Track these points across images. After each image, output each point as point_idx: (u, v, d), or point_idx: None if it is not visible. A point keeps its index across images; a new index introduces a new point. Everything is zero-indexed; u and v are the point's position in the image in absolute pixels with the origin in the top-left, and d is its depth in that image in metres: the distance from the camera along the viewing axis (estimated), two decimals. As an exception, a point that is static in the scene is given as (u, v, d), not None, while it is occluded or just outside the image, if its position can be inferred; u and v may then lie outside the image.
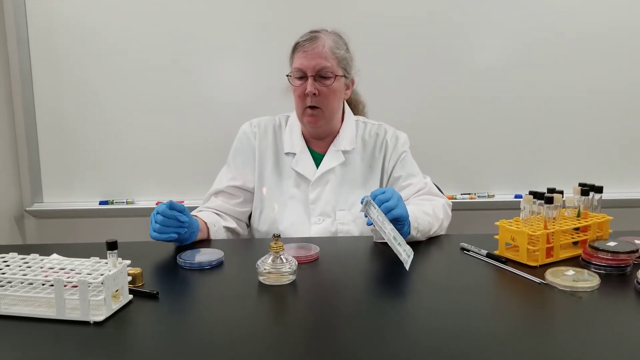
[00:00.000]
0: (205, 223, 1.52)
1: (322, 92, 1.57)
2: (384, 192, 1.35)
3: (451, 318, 0.99)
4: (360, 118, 1.76)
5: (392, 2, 2.27)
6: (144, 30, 2.28)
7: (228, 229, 1.62)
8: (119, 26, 2.28)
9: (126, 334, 0.96)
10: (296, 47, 1.60)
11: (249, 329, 0.97)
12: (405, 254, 1.25)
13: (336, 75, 1.58)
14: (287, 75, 1.62)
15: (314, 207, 1.63)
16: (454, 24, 2.29)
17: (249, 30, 2.29)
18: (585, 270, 1.18)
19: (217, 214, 1.62)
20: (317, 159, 1.68)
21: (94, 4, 2.26)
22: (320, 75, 1.56)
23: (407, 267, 1.23)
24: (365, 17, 2.25)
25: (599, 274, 1.17)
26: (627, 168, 2.40)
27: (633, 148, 2.39)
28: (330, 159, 1.66)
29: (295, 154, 1.67)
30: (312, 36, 1.59)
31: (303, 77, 1.57)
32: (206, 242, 1.50)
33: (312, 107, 1.58)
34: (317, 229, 1.62)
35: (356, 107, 1.83)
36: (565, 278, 1.14)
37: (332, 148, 1.67)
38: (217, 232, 1.55)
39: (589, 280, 1.13)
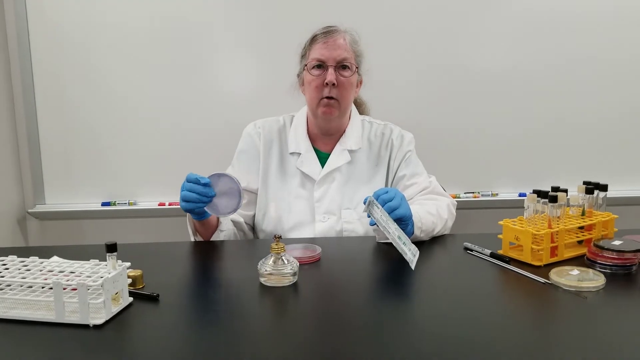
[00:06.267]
0: None
1: (340, 83, 1.57)
2: (387, 192, 1.34)
3: (454, 319, 0.98)
4: (366, 118, 1.76)
5: (397, 2, 2.26)
6: (147, 32, 2.27)
7: (234, 222, 1.62)
8: (121, 27, 2.27)
9: (126, 337, 0.96)
10: (315, 39, 1.61)
11: (250, 332, 0.96)
12: (411, 253, 1.24)
13: (356, 67, 1.59)
14: (304, 66, 1.61)
15: (319, 205, 1.63)
16: (458, 25, 2.27)
17: (254, 32, 2.28)
18: (590, 270, 1.17)
19: None
20: (323, 158, 1.67)
21: (97, 1, 2.26)
22: (341, 66, 1.57)
23: (413, 267, 1.22)
24: (369, 16, 2.24)
25: (604, 273, 1.15)
26: (632, 166, 2.39)
27: (638, 145, 2.37)
28: (337, 158, 1.65)
29: (300, 153, 1.66)
30: (331, 29, 1.60)
31: (321, 67, 1.57)
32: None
33: (329, 98, 1.57)
34: (322, 227, 1.61)
35: (360, 106, 1.83)
36: (570, 278, 1.12)
37: (338, 147, 1.66)
38: (225, 221, 1.55)
39: (594, 280, 1.11)
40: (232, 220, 1.60)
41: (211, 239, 1.53)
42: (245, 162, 1.69)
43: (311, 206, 1.63)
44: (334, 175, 1.64)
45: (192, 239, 1.55)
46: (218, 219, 1.52)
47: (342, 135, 1.68)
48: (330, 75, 1.55)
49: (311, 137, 1.69)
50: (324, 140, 1.68)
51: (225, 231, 1.55)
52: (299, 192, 1.64)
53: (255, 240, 1.65)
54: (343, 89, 1.58)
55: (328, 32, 1.59)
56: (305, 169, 1.65)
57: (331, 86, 1.56)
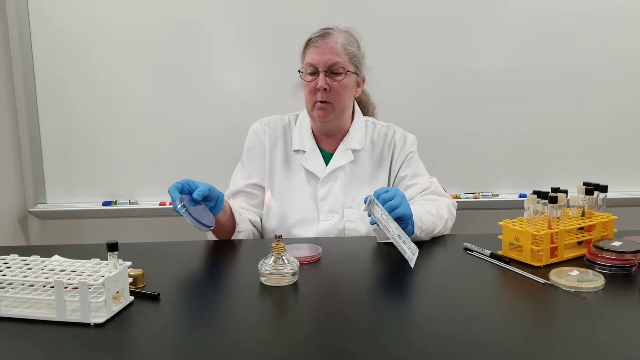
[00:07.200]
0: (231, 208, 1.53)
1: (332, 88, 1.57)
2: (387, 191, 1.35)
3: (454, 319, 0.99)
4: (370, 119, 1.77)
5: (398, 3, 2.26)
6: (147, 32, 2.28)
7: (251, 222, 1.62)
8: (121, 27, 2.28)
9: (127, 335, 0.96)
10: (308, 43, 1.61)
11: (250, 331, 0.96)
12: (410, 251, 1.24)
13: (347, 71, 1.58)
14: (299, 71, 1.62)
15: (322, 204, 1.64)
16: (458, 27, 2.28)
17: (254, 32, 2.29)
18: (590, 271, 1.17)
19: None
20: (326, 157, 1.68)
21: (97, 2, 2.26)
22: (332, 71, 1.57)
23: (412, 265, 1.23)
24: (371, 17, 2.25)
25: (603, 274, 1.16)
26: (632, 167, 2.39)
27: (637, 147, 2.37)
28: (340, 157, 1.66)
29: (304, 151, 1.67)
30: (325, 32, 1.59)
31: (314, 72, 1.58)
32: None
33: (322, 102, 1.58)
34: (325, 225, 1.62)
35: (366, 108, 1.84)
36: (570, 278, 1.13)
37: (341, 146, 1.67)
38: (243, 222, 1.56)
39: (593, 281, 1.12)
40: (250, 221, 1.61)
41: (232, 239, 1.55)
42: (254, 159, 1.70)
43: (315, 204, 1.64)
44: (337, 174, 1.65)
45: (208, 237, 1.56)
46: (231, 218, 1.53)
47: (345, 135, 1.69)
48: (321, 81, 1.56)
49: (315, 136, 1.70)
50: (327, 140, 1.69)
51: (243, 231, 1.56)
52: (303, 190, 1.65)
53: (256, 240, 1.66)
54: (335, 93, 1.58)
55: (321, 36, 1.59)
56: (309, 167, 1.66)
57: (322, 91, 1.56)
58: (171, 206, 2.17)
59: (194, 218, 1.32)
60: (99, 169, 2.39)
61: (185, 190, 1.35)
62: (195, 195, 1.33)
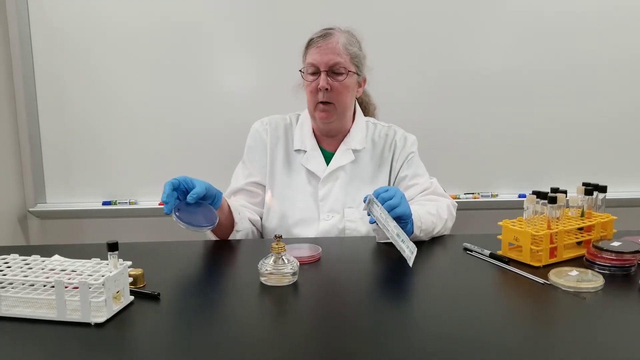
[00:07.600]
0: (229, 207, 1.51)
1: (334, 88, 1.57)
2: (387, 190, 1.35)
3: (454, 319, 0.99)
4: (371, 119, 1.77)
5: (399, 4, 2.26)
6: (147, 32, 2.28)
7: (250, 220, 1.62)
8: (121, 27, 2.28)
9: (127, 335, 0.96)
10: (310, 43, 1.61)
11: (250, 331, 0.96)
12: (409, 250, 1.25)
13: (349, 71, 1.58)
14: (300, 71, 1.62)
15: (323, 204, 1.64)
16: (459, 26, 2.28)
17: (254, 32, 2.29)
18: (589, 271, 1.17)
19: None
20: (327, 157, 1.68)
21: (97, 2, 2.26)
22: (333, 71, 1.57)
23: (411, 264, 1.23)
24: (372, 17, 2.25)
25: (603, 274, 1.16)
26: (632, 167, 2.39)
27: (637, 147, 2.37)
28: (341, 157, 1.67)
29: (305, 151, 1.67)
30: (326, 32, 1.60)
31: (316, 72, 1.58)
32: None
33: (324, 103, 1.58)
34: (325, 225, 1.62)
35: (367, 108, 1.84)
36: (569, 278, 1.13)
37: (342, 146, 1.68)
38: (242, 221, 1.55)
39: (592, 281, 1.12)
40: (250, 220, 1.61)
41: (229, 239, 1.54)
42: (255, 157, 1.70)
43: (316, 203, 1.64)
44: (338, 174, 1.65)
45: (207, 237, 1.56)
46: (229, 216, 1.52)
47: (346, 135, 1.69)
48: (323, 81, 1.56)
49: (316, 136, 1.70)
50: (328, 140, 1.70)
51: (241, 231, 1.55)
52: (303, 189, 1.65)
53: (256, 240, 1.66)
54: (337, 93, 1.58)
55: (323, 36, 1.59)
56: (310, 166, 1.66)
57: (324, 91, 1.57)
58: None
59: (188, 223, 1.33)
60: (99, 169, 2.39)
61: (182, 188, 1.35)
62: (188, 199, 1.33)
